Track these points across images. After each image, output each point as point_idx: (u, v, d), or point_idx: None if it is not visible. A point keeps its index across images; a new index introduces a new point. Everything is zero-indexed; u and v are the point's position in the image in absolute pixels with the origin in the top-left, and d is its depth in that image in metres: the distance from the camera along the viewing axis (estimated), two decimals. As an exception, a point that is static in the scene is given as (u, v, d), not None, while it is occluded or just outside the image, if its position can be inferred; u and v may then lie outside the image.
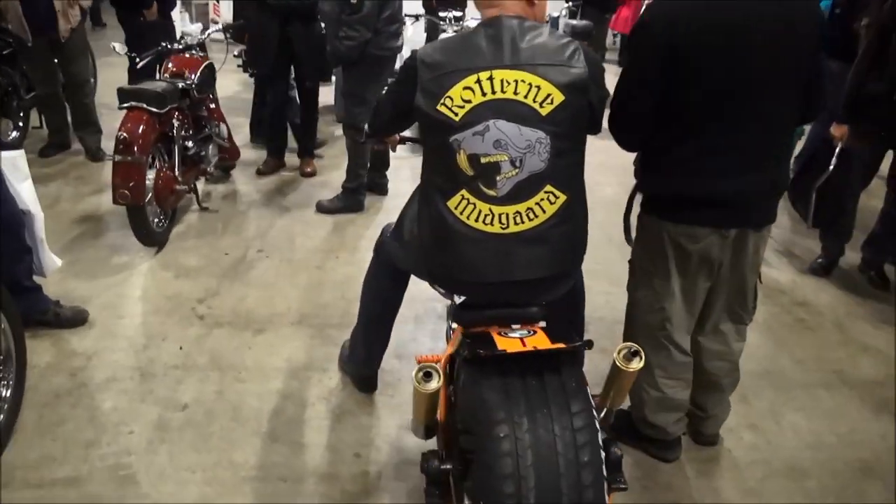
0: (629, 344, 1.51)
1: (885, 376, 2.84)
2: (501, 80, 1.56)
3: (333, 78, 5.89)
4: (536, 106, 1.56)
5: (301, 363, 2.63)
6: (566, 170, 1.66)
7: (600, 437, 1.47)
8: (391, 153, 4.21)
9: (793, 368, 2.84)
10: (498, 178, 1.62)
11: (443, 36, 5.93)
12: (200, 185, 4.09)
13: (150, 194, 3.30)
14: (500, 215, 1.65)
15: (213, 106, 4.19)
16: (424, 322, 2.95)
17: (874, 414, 2.59)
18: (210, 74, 4.05)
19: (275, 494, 2.01)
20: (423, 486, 1.76)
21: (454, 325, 1.97)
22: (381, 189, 4.50)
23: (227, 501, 1.98)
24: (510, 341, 1.58)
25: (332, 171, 4.89)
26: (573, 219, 1.72)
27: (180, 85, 3.58)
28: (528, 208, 1.65)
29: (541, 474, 1.41)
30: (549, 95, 1.56)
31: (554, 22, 7.02)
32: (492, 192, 1.63)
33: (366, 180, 4.23)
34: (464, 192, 1.65)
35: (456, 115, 1.58)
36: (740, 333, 2.09)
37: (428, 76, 1.61)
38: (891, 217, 3.63)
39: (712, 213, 1.79)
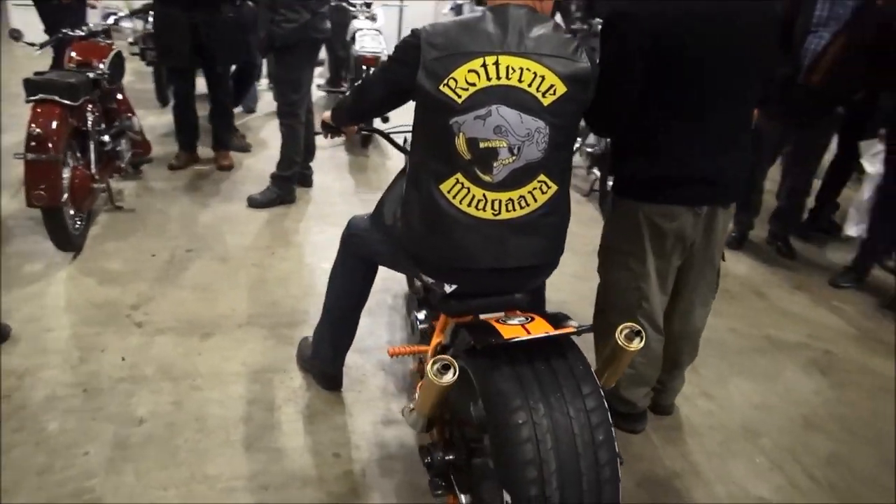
0: (630, 324, 1.55)
1: (806, 337, 3.10)
2: (507, 67, 1.55)
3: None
4: (539, 95, 1.57)
5: (259, 366, 2.51)
6: (559, 162, 1.68)
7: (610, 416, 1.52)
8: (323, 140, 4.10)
9: (729, 336, 3.03)
10: (495, 163, 1.61)
11: (377, 23, 5.85)
12: (113, 182, 3.80)
13: (65, 195, 3.03)
14: (492, 201, 1.65)
15: (121, 97, 3.89)
16: (377, 315, 2.90)
17: (804, 373, 2.82)
18: (120, 63, 3.76)
19: (258, 504, 1.93)
20: (427, 479, 1.76)
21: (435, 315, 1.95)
22: (306, 180, 4.36)
23: (207, 517, 1.88)
24: (513, 329, 1.58)
25: (249, 163, 4.70)
26: (560, 210, 1.75)
27: (91, 75, 3.29)
28: (521, 196, 1.66)
29: (561, 457, 1.43)
30: (552, 86, 1.57)
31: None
32: (487, 178, 1.63)
33: (299, 172, 4.09)
34: (459, 175, 1.63)
35: (459, 97, 1.56)
36: (705, 312, 2.21)
37: (432, 56, 1.57)
38: (794, 192, 3.94)
39: (687, 192, 1.88)
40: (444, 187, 1.65)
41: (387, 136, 2.37)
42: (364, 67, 5.17)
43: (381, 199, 2.03)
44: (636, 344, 1.55)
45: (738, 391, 2.63)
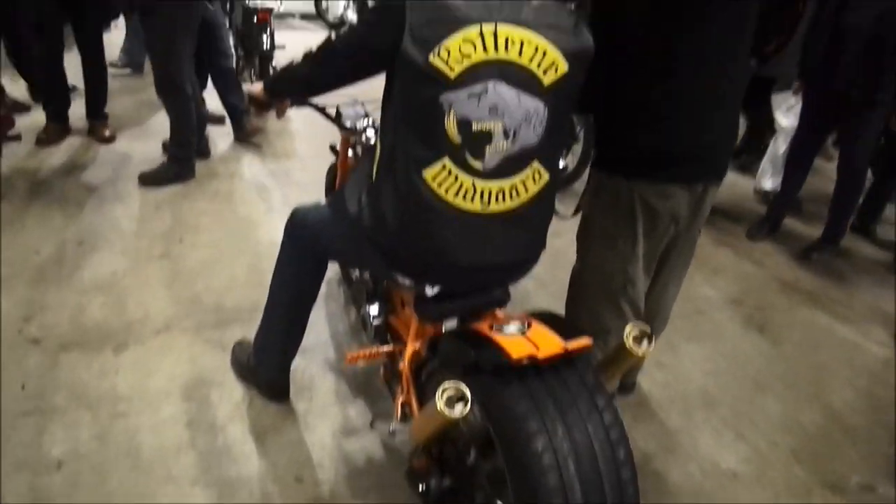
0: (639, 325, 1.44)
1: (738, 293, 3.18)
2: (506, 38, 1.34)
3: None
4: (540, 73, 1.37)
5: (190, 379, 2.21)
6: (553, 148, 1.51)
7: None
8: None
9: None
10: (488, 148, 1.41)
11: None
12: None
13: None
14: (481, 191, 1.46)
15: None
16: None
17: (744, 330, 2.89)
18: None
19: (217, 548, 1.69)
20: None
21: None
22: (202, 151, 3.93)
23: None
24: (518, 343, 1.41)
25: (127, 133, 4.19)
26: (548, 201, 1.58)
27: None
28: (513, 186, 1.48)
29: (585, 481, 1.31)
30: (553, 63, 1.37)
31: None
32: (477, 165, 1.43)
33: (196, 144, 3.66)
34: (446, 161, 1.42)
35: (452, 70, 1.33)
36: (678, 289, 2.14)
37: (420, 20, 1.32)
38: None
39: (686, 169, 1.75)
40: (429, 175, 1.43)
41: (324, 112, 2.10)
42: (255, 22, 4.73)
43: (343, 187, 1.77)
44: (645, 347, 1.45)
45: (689, 357, 2.64)
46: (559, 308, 1.92)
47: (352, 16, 8.36)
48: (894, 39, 3.00)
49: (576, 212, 2.04)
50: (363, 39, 1.46)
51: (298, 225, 1.91)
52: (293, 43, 4.80)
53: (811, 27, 3.20)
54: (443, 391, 1.26)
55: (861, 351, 2.83)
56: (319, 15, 8.92)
